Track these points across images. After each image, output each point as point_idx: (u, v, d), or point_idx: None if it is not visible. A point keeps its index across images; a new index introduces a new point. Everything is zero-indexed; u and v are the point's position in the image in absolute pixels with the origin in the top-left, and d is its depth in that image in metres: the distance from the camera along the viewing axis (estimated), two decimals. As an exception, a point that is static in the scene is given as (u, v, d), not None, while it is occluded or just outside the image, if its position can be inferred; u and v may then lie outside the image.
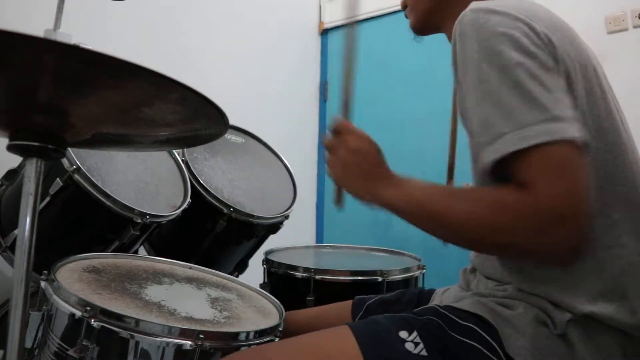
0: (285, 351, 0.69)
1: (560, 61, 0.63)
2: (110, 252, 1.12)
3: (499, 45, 0.62)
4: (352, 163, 0.75)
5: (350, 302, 1.00)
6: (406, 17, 0.93)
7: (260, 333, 0.78)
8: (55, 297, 0.77)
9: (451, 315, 0.69)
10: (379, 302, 0.97)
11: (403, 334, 0.67)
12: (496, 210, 0.59)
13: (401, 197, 0.70)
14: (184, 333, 0.72)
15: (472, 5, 0.68)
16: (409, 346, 0.65)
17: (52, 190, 1.05)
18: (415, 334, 0.66)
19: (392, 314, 0.73)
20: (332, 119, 0.81)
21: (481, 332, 0.66)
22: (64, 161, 1.04)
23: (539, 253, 0.61)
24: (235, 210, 1.37)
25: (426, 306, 0.78)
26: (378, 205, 0.73)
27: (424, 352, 0.64)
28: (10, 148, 0.64)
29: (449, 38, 0.89)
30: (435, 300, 0.91)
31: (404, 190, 0.70)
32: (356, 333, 0.67)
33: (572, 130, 0.58)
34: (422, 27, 0.91)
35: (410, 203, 0.69)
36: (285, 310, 0.93)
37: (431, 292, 0.95)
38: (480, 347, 0.64)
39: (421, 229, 0.70)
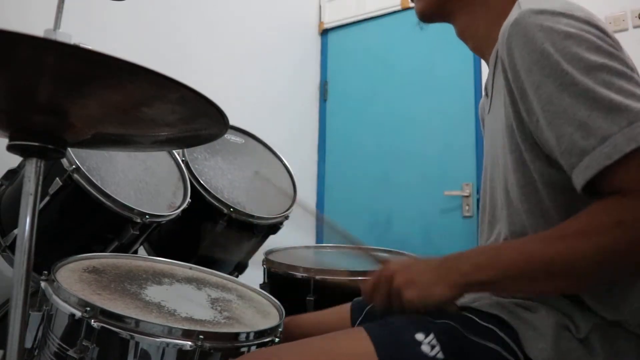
0: (298, 352, 0.68)
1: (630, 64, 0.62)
2: (110, 251, 1.12)
3: (577, 47, 0.60)
4: (416, 271, 0.68)
5: (348, 305, 0.99)
6: (411, 0, 0.89)
7: (260, 334, 0.78)
8: (55, 297, 0.77)
9: (470, 316, 0.68)
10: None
11: (419, 336, 0.65)
12: (618, 230, 0.55)
13: (483, 265, 0.63)
14: (184, 334, 0.72)
15: (527, 6, 0.64)
16: (425, 348, 0.64)
17: (52, 189, 1.05)
18: (432, 336, 0.65)
19: (407, 314, 0.71)
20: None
21: (501, 334, 0.65)
22: (64, 161, 1.04)
23: None
24: (235, 210, 1.36)
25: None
26: (466, 289, 0.65)
27: (440, 355, 0.63)
28: (10, 148, 0.64)
29: (458, 31, 0.85)
30: None
31: (481, 258, 0.64)
32: (371, 333, 0.66)
33: None
34: (432, 13, 0.85)
35: (501, 267, 0.62)
36: (286, 311, 0.93)
37: None
38: (499, 349, 0.63)
39: (522, 292, 0.67)
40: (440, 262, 0.67)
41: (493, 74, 0.78)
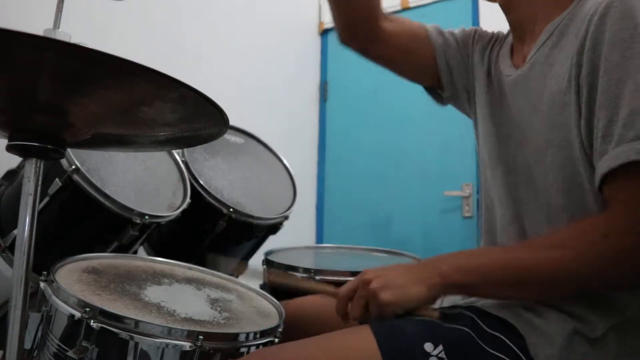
0: (302, 352, 0.66)
1: None
2: (110, 252, 1.12)
3: None
4: (392, 274, 0.67)
5: None
6: None
7: (260, 334, 0.78)
8: (54, 298, 0.77)
9: (478, 321, 0.66)
10: None
11: (428, 346, 0.63)
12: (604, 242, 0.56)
13: (464, 268, 0.64)
14: (184, 334, 0.71)
15: None
16: None
17: (51, 190, 1.04)
18: (440, 347, 0.63)
19: (416, 318, 0.68)
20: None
21: (508, 342, 0.63)
22: (63, 161, 1.04)
23: None
24: (235, 210, 1.36)
25: (452, 308, 0.74)
26: (444, 290, 0.65)
27: None
28: (10, 148, 0.64)
29: (503, 4, 0.80)
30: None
31: (463, 261, 0.65)
32: (379, 338, 0.64)
33: None
34: None
35: (482, 271, 0.63)
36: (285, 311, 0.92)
37: None
38: (507, 359, 0.62)
39: (503, 298, 0.66)
40: (418, 264, 0.68)
41: (542, 45, 0.72)
